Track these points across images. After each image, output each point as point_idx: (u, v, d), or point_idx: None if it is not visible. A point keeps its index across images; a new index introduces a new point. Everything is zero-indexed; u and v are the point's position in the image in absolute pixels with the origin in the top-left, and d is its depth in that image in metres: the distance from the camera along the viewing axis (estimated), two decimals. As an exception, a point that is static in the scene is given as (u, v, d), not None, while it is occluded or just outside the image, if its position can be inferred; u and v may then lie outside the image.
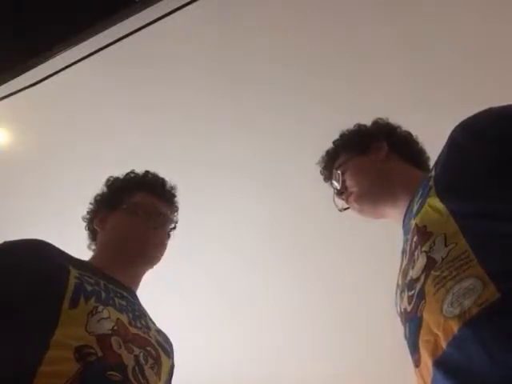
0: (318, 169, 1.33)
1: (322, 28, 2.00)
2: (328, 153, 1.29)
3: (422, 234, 0.82)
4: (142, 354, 0.93)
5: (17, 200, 2.47)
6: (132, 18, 1.55)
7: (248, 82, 2.15)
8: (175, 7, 1.57)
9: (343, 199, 1.19)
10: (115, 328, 0.92)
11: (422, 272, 0.77)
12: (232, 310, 2.74)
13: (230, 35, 2.03)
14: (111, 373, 0.83)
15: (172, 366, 1.13)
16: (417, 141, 1.22)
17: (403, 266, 0.91)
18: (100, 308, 0.92)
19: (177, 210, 1.35)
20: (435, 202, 0.82)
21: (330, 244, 2.46)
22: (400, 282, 0.90)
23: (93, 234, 1.25)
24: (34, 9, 1.51)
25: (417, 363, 0.76)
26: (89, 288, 0.96)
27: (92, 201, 1.29)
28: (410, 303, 0.79)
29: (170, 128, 2.28)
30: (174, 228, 1.33)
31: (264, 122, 2.25)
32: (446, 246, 0.75)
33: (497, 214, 0.73)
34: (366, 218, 1.20)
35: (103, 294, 0.98)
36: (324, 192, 1.34)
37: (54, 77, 1.67)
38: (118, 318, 0.95)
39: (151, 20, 1.59)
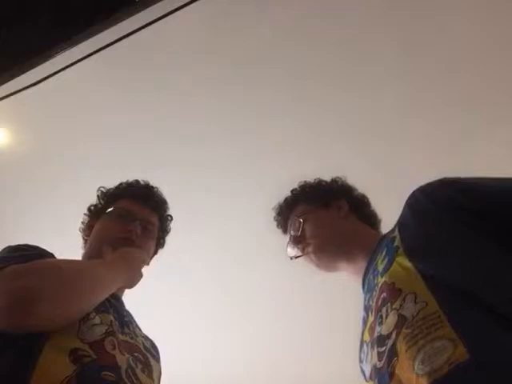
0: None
1: (323, 28, 2.00)
2: (286, 200, 1.32)
3: (391, 291, 0.83)
4: (130, 358, 0.94)
5: (16, 200, 2.47)
6: (132, 18, 1.54)
7: (248, 83, 2.15)
8: (175, 7, 1.57)
9: (299, 248, 1.21)
10: (109, 330, 0.92)
11: (394, 329, 0.78)
12: (231, 310, 2.74)
13: (230, 35, 2.03)
14: (106, 373, 0.83)
15: (160, 371, 1.13)
16: (370, 204, 1.28)
17: (369, 323, 0.92)
18: (92, 315, 0.91)
19: (166, 219, 1.34)
20: (404, 260, 0.84)
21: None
22: (367, 338, 0.92)
23: (85, 244, 1.26)
24: (33, 9, 1.50)
25: None
26: None
27: (86, 212, 1.30)
28: (380, 359, 0.80)
29: (169, 128, 2.28)
30: (162, 235, 1.33)
31: (264, 124, 2.25)
32: (415, 303, 0.76)
33: (461, 278, 0.74)
34: (318, 269, 1.24)
35: None
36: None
37: (54, 77, 1.67)
38: (111, 320, 0.95)
39: (151, 20, 1.59)
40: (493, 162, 2.10)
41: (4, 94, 1.69)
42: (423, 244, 0.84)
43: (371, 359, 0.86)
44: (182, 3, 1.57)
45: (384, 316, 0.82)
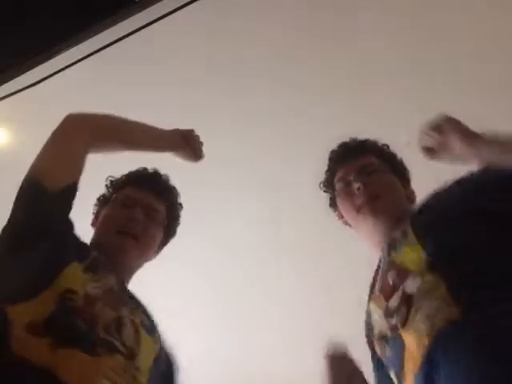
0: (322, 164, 1.31)
1: (323, 26, 2.01)
2: (362, 143, 1.27)
3: (402, 270, 0.95)
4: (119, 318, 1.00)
5: (17, 200, 2.47)
6: (132, 18, 1.55)
7: (249, 81, 2.15)
8: (175, 7, 1.58)
9: (359, 181, 1.15)
10: (104, 295, 1.00)
11: (400, 304, 0.91)
12: (231, 309, 2.74)
13: (230, 35, 2.03)
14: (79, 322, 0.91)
15: (162, 359, 1.13)
16: None
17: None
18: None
19: (174, 206, 1.32)
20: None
21: (329, 243, 2.46)
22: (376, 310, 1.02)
23: None
24: (33, 9, 1.51)
25: None
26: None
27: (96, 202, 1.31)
28: (392, 330, 0.92)
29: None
30: (171, 223, 1.31)
31: (265, 122, 2.25)
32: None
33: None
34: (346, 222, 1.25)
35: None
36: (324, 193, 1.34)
37: (54, 77, 1.67)
38: (109, 289, 1.03)
39: (151, 20, 1.59)
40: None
41: (4, 94, 1.69)
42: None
43: (386, 326, 0.96)
44: (181, 3, 1.57)
45: (393, 293, 0.96)
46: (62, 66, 1.65)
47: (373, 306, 1.03)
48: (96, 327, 0.93)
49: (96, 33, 1.54)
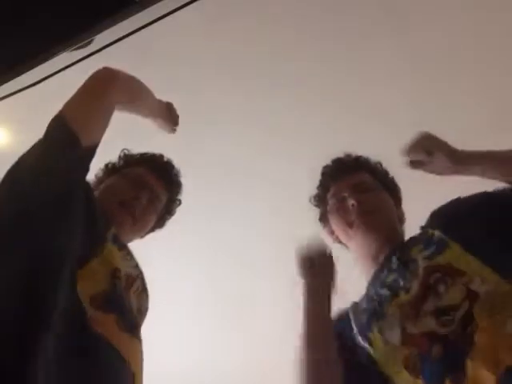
0: (321, 165, 1.33)
1: (323, 26, 2.01)
2: (356, 160, 1.30)
3: (449, 270, 0.91)
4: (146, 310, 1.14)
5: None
6: (132, 18, 1.55)
7: (249, 80, 2.15)
8: (175, 7, 1.57)
9: (353, 198, 1.18)
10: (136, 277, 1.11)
11: (463, 301, 0.85)
12: (231, 309, 2.74)
13: (230, 35, 2.03)
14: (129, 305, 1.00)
15: None
16: None
17: (401, 299, 0.97)
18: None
19: (174, 201, 1.37)
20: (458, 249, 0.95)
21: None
22: (395, 312, 0.96)
23: None
24: (33, 9, 1.51)
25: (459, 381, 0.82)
26: None
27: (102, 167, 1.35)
28: (447, 326, 0.85)
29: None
30: (164, 215, 1.36)
31: (265, 122, 2.25)
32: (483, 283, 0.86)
33: None
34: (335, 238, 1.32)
35: None
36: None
37: (54, 77, 1.67)
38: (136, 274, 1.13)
39: (151, 20, 1.59)
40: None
41: (4, 94, 1.69)
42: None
43: (419, 327, 0.90)
44: (181, 3, 1.57)
45: (442, 291, 0.88)
46: (62, 66, 1.65)
47: (394, 309, 0.98)
48: (134, 309, 1.00)
49: (96, 33, 1.54)
